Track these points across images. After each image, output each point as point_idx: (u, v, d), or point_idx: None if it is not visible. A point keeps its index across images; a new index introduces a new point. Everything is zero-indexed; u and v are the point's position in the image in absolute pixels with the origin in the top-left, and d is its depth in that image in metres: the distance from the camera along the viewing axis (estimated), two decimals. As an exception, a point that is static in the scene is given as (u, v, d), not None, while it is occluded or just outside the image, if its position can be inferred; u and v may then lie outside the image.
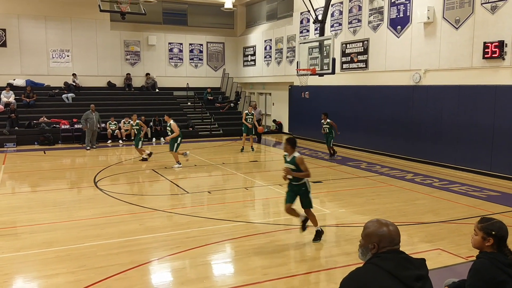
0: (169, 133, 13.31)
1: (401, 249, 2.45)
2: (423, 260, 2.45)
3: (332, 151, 15.05)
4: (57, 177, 12.51)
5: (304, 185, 6.94)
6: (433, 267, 4.74)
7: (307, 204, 6.88)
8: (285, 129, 22.59)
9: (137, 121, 15.40)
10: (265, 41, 23.41)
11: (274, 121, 23.54)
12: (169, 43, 24.56)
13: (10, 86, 20.35)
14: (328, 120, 14.60)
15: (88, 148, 17.57)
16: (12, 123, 18.58)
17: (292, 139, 7.00)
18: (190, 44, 25.08)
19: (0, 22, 20.78)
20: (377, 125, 15.81)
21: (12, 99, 19.78)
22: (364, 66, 16.42)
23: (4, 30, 20.87)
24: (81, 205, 9.25)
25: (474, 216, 8.18)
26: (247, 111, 17.08)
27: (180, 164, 13.41)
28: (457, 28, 12.79)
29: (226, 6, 22.79)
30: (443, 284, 3.90)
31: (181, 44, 24.86)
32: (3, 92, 19.86)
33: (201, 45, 25.35)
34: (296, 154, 6.96)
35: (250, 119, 16.79)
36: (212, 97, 24.25)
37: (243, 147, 16.97)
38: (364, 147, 16.51)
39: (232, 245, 6.86)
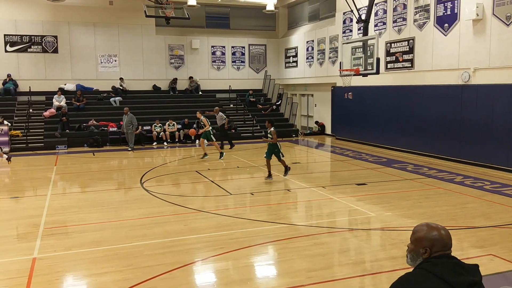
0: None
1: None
2: (476, 266, 2.34)
3: (285, 166, 12.02)
4: (105, 178, 12.94)
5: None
6: (485, 273, 4.52)
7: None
8: (328, 130, 22.35)
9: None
10: (307, 42, 23.27)
11: (316, 122, 23.34)
12: (212, 46, 24.90)
13: (62, 91, 21.25)
14: (272, 129, 11.72)
15: (129, 149, 18.14)
16: (63, 126, 19.40)
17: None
18: (232, 47, 25.32)
19: (53, 29, 21.78)
20: (424, 126, 15.33)
21: (63, 103, 20.65)
22: (410, 65, 15.98)
23: (56, 37, 21.85)
24: (129, 205, 9.50)
25: (529, 221, 7.76)
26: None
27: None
28: (508, 25, 12.21)
29: (268, 8, 22.83)
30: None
31: (224, 47, 25.14)
32: (55, 96, 20.78)
33: (243, 47, 25.53)
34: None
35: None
36: (254, 99, 24.36)
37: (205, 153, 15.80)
38: (410, 149, 16.05)
39: (275, 247, 6.84)
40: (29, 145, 18.26)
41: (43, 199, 9.97)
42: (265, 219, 8.22)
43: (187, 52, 24.36)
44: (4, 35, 21.01)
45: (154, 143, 19.70)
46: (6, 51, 21.10)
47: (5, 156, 13.34)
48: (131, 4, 22.16)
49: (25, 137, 18.50)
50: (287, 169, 12.00)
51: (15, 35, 21.20)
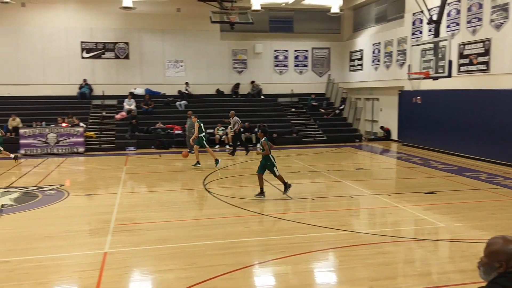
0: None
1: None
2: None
3: (284, 183, 10.26)
4: (170, 179, 13.38)
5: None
6: None
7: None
8: (394, 136, 21.64)
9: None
10: (373, 44, 22.72)
11: (381, 127, 22.68)
12: (275, 50, 25.01)
13: (132, 95, 22.30)
14: (263, 140, 10.13)
15: (188, 151, 18.59)
16: (133, 128, 20.33)
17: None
18: (295, 51, 25.28)
19: (125, 36, 22.93)
20: (500, 133, 14.39)
21: (133, 106, 21.65)
22: (485, 68, 15.09)
23: (127, 43, 22.99)
24: (191, 205, 9.75)
25: None
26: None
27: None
28: None
29: (332, 10, 22.56)
30: None
31: (287, 51, 25.16)
32: (126, 100, 21.83)
33: (306, 51, 25.41)
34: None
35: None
36: (316, 103, 24.14)
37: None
38: (484, 157, 15.12)
39: (337, 254, 6.70)
40: (102, 145, 19.31)
41: (114, 197, 10.48)
42: (326, 225, 8.09)
43: (250, 56, 24.66)
44: (81, 42, 22.41)
45: (217, 146, 20.08)
46: (82, 57, 22.52)
47: (12, 155, 14.66)
48: (197, 11, 22.84)
49: (99, 139, 19.59)
50: (286, 186, 10.15)
51: (90, 42, 22.57)
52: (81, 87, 22.26)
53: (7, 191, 11.23)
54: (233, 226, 8.10)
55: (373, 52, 22.65)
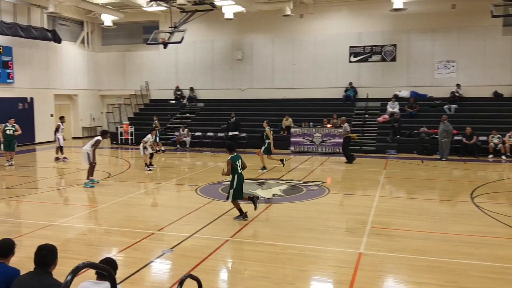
0: None
1: None
2: None
3: (239, 209, 8.70)
4: (432, 187, 12.54)
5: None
6: None
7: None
8: None
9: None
10: None
11: None
12: None
13: (396, 97, 21.94)
14: (229, 158, 8.69)
15: (443, 159, 17.01)
16: (394, 132, 19.98)
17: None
18: None
19: (392, 38, 22.74)
20: None
21: (396, 109, 21.27)
22: None
23: (395, 45, 22.72)
24: (455, 219, 8.86)
25: None
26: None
27: None
28: None
29: None
30: None
31: None
32: (389, 103, 21.63)
33: None
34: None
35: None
36: None
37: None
38: None
39: None
40: (363, 147, 19.68)
41: (371, 199, 10.47)
42: None
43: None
44: (350, 47, 23.36)
45: (490, 156, 17.74)
46: (350, 61, 23.43)
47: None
48: (474, 5, 20.67)
49: (360, 140, 20.04)
50: (242, 215, 8.57)
51: (358, 46, 23.27)
52: (346, 90, 23.22)
53: (278, 182, 12.64)
54: (505, 249, 6.96)
55: None
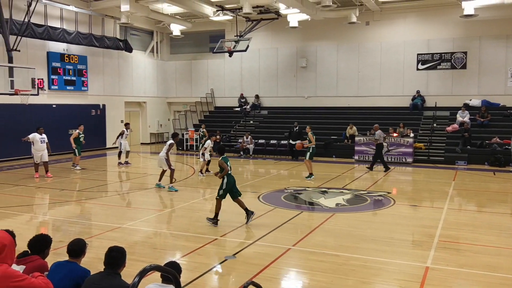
0: None
1: None
2: None
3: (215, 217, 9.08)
4: (505, 201, 11.94)
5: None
6: None
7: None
8: None
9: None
10: None
11: None
12: None
13: (466, 106, 21.02)
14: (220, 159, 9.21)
15: None
16: (464, 142, 19.14)
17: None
18: None
19: (462, 45, 21.85)
20: None
21: (466, 118, 20.38)
22: None
23: (465, 53, 21.81)
24: (531, 235, 8.41)
25: None
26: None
27: None
28: None
29: None
30: None
31: None
32: (459, 112, 20.76)
33: None
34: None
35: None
36: None
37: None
38: None
39: None
40: (430, 157, 19.03)
41: (439, 211, 10.17)
42: None
43: None
44: (417, 54, 22.72)
45: None
46: (417, 69, 22.78)
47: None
48: (555, 8, 19.47)
49: (427, 150, 19.40)
50: (214, 220, 8.92)
51: (426, 53, 22.57)
52: (413, 98, 22.57)
53: (342, 192, 12.59)
54: None
55: None
